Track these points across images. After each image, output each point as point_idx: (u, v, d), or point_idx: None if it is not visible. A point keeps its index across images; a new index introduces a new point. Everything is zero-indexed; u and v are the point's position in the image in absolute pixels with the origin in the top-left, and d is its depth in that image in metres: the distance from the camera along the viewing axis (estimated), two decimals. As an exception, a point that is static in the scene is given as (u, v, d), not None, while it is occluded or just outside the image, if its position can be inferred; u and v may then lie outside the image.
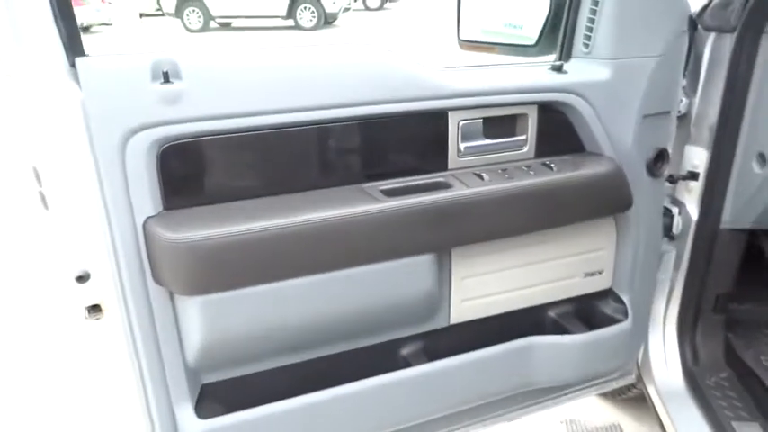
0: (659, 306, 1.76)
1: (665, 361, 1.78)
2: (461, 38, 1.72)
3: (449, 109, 1.25)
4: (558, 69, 1.36)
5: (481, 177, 1.27)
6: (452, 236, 1.24)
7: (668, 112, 1.48)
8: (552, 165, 1.35)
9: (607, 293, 1.59)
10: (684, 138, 1.65)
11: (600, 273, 1.56)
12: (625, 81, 1.36)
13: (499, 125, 1.33)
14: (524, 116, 1.34)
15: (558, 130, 1.39)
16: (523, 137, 1.36)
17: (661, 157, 1.48)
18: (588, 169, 1.35)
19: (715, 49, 1.53)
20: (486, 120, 1.30)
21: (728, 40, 1.50)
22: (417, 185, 1.25)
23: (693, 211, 1.68)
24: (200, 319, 1.10)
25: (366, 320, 1.26)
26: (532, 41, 1.49)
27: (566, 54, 1.41)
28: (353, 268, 1.18)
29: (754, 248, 1.74)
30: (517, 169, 1.33)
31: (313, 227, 1.11)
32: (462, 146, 1.30)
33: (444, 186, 1.25)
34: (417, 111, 1.21)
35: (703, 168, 1.64)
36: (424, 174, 1.28)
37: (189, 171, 1.10)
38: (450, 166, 1.31)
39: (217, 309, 1.10)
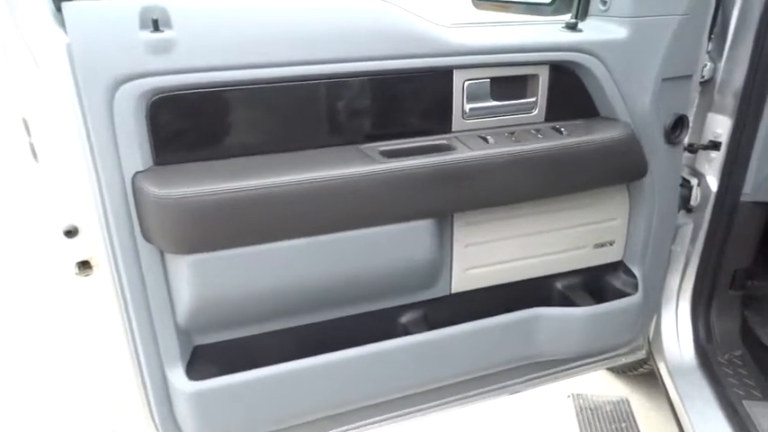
0: (673, 281, 1.70)
1: (678, 338, 1.72)
2: (476, -4, 1.65)
3: (454, 67, 1.19)
4: (573, 27, 1.28)
5: (486, 140, 1.22)
6: (455, 201, 1.19)
7: (690, 77, 1.40)
8: (563, 129, 1.28)
9: (617, 266, 1.54)
10: (707, 105, 1.56)
11: (611, 244, 1.50)
12: (644, 41, 1.28)
13: (507, 86, 1.27)
14: (535, 77, 1.28)
15: (570, 92, 1.32)
16: (533, 99, 1.29)
17: (680, 123, 1.41)
18: (601, 134, 1.28)
19: (745, 9, 1.43)
20: (493, 80, 1.24)
21: (758, 0, 1.41)
22: (418, 147, 1.20)
23: (713, 183, 1.61)
24: (190, 279, 1.08)
25: (363, 286, 1.22)
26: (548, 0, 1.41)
27: (582, 12, 1.34)
28: (349, 231, 1.14)
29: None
30: (525, 133, 1.27)
31: (308, 187, 1.07)
32: (468, 107, 1.24)
33: (447, 149, 1.20)
34: (420, 68, 1.16)
35: (726, 138, 1.56)
36: (427, 135, 1.23)
37: (180, 125, 1.06)
38: (454, 128, 1.25)
39: (207, 269, 1.08)
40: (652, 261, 1.54)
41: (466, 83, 1.22)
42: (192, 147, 1.08)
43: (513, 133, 1.26)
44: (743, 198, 1.58)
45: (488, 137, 1.23)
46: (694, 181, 1.62)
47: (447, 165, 1.15)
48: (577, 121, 1.34)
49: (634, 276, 1.53)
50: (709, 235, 1.64)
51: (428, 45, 1.15)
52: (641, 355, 1.79)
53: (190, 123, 1.07)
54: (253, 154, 1.12)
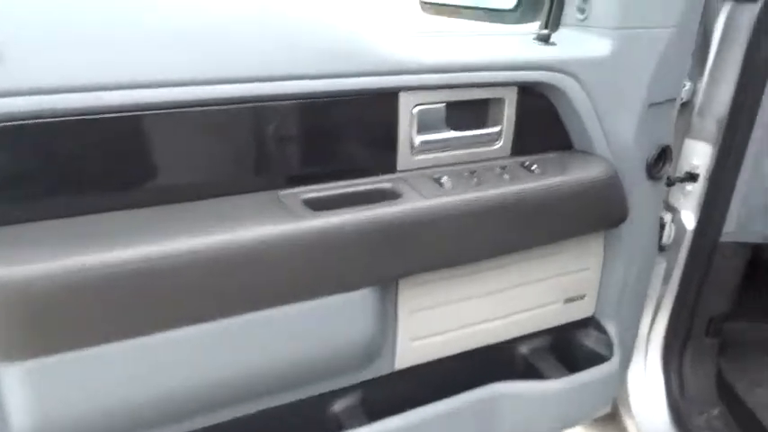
0: (642, 327, 1.49)
1: (648, 392, 1.52)
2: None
3: (400, 89, 0.91)
4: (545, 40, 1.03)
5: (441, 184, 0.94)
6: (401, 264, 0.92)
7: (674, 100, 1.18)
8: (533, 166, 1.03)
9: (588, 322, 1.30)
10: (684, 130, 1.36)
11: (581, 298, 1.26)
12: (630, 58, 1.05)
13: (467, 112, 1.01)
14: (499, 101, 1.02)
15: (541, 120, 1.07)
16: (497, 128, 1.03)
17: (663, 155, 1.18)
18: (578, 173, 1.04)
19: (731, 22, 1.23)
20: (450, 105, 0.97)
21: (749, 11, 1.21)
22: (354, 194, 0.91)
23: (689, 219, 1.41)
24: (29, 396, 0.74)
25: (281, 375, 0.92)
26: (511, 4, 1.16)
27: (554, 21, 1.09)
28: (261, 312, 0.84)
29: (756, 260, 1.48)
30: (488, 171, 1.01)
31: (202, 257, 0.76)
32: (418, 139, 0.97)
33: (391, 196, 0.92)
34: (355, 90, 0.87)
35: (705, 168, 1.36)
36: (365, 177, 0.94)
37: (10, 169, 0.73)
38: (400, 167, 0.97)
39: (55, 379, 0.75)
40: (627, 314, 1.32)
41: (415, 109, 0.94)
42: (30, 199, 0.75)
43: (473, 172, 1.00)
44: (723, 237, 1.38)
45: (443, 178, 0.96)
46: (668, 217, 1.41)
47: (391, 219, 0.87)
48: (549, 155, 1.09)
49: (607, 333, 1.30)
50: (685, 277, 1.44)
51: (367, 60, 0.86)
52: (605, 410, 1.56)
53: (26, 166, 0.74)
54: (123, 208, 0.80)
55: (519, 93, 1.02)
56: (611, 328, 1.31)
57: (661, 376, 1.52)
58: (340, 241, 0.84)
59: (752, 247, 1.41)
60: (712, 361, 1.55)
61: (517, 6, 1.14)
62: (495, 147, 1.04)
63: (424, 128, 0.97)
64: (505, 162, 1.05)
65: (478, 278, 1.07)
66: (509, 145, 1.05)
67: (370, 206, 0.87)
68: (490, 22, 1.18)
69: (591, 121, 1.06)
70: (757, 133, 1.27)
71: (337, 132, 0.91)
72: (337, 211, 0.85)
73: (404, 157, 0.97)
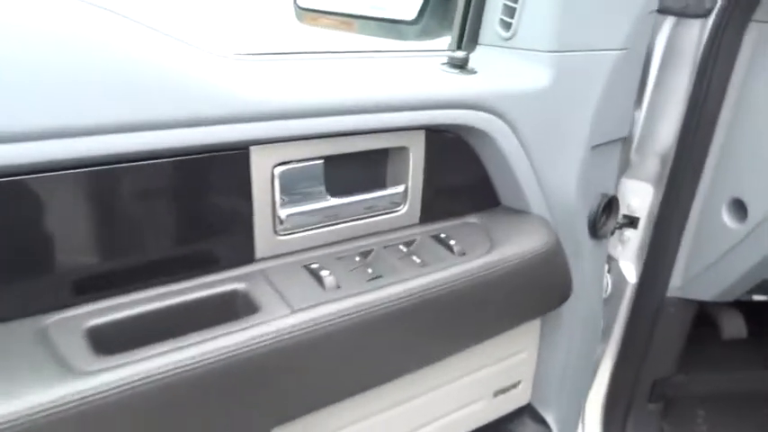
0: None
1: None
2: (300, 4, 1.05)
3: (249, 143, 0.59)
4: (461, 66, 0.75)
5: (320, 279, 0.63)
6: (264, 415, 0.59)
7: (620, 140, 0.94)
8: (451, 240, 0.74)
9: (523, 412, 1.04)
10: (621, 168, 1.13)
11: (515, 386, 0.99)
12: (569, 89, 0.79)
13: (355, 170, 0.71)
14: (401, 151, 0.72)
15: (458, 172, 0.79)
16: (400, 188, 0.74)
17: (609, 208, 0.94)
18: (511, 245, 0.76)
19: (675, 41, 1.01)
20: (330, 160, 0.67)
21: (696, 29, 0.99)
22: (179, 310, 0.58)
23: (630, 271, 1.18)
24: None
25: None
26: (412, 14, 0.87)
27: (470, 38, 0.81)
28: None
29: (701, 314, 1.29)
30: (390, 253, 0.71)
31: None
32: (283, 212, 0.65)
33: (243, 308, 0.60)
34: (182, 148, 0.54)
35: (646, 212, 1.14)
36: (202, 276, 0.61)
37: None
38: (259, 254, 0.66)
39: None
40: (569, 398, 1.07)
41: (277, 169, 0.63)
42: None
43: (367, 255, 0.70)
44: (670, 293, 1.17)
45: (323, 271, 0.65)
46: (604, 267, 1.18)
47: (238, 356, 0.55)
48: (471, 219, 0.81)
49: (545, 423, 1.04)
50: (626, 338, 1.22)
51: (199, 102, 0.54)
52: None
53: None
54: None
55: (428, 139, 0.73)
56: (550, 416, 1.05)
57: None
58: (146, 409, 0.51)
59: (699, 303, 1.21)
60: (655, 427, 1.34)
61: (419, 17, 0.85)
62: (399, 213, 0.75)
63: (291, 195, 0.65)
64: (414, 234, 0.75)
65: (385, 391, 0.77)
66: (417, 209, 0.76)
67: (200, 337, 0.54)
68: (385, 36, 0.88)
69: (523, 170, 0.79)
70: (708, 173, 1.06)
71: (152, 210, 0.57)
72: (141, 353, 0.52)
73: (264, 240, 0.65)
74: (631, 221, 1.15)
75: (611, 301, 1.22)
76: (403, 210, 0.75)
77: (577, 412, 1.13)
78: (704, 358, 1.38)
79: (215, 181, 0.60)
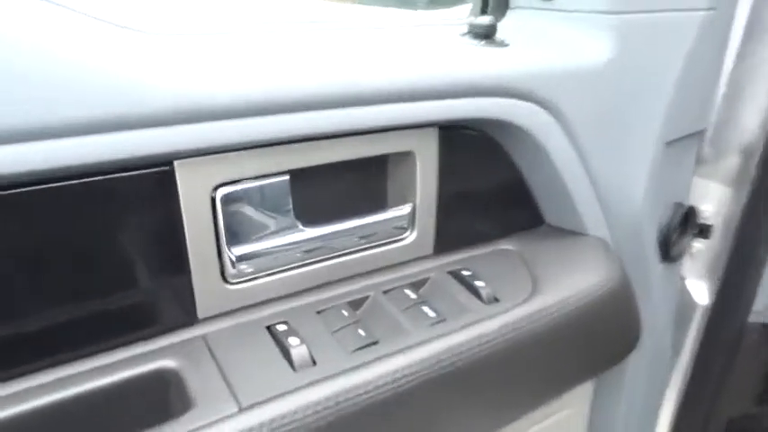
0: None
1: None
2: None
3: (174, 156, 0.40)
4: (487, 37, 0.53)
5: (286, 351, 0.44)
6: None
7: (699, 133, 0.72)
8: (476, 277, 0.54)
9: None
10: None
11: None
12: (637, 66, 0.57)
13: (340, 186, 0.50)
14: (406, 158, 0.52)
15: (484, 182, 0.58)
16: (405, 209, 0.53)
17: (686, 223, 0.72)
18: (563, 287, 0.55)
19: (764, 6, 0.78)
20: (299, 175, 0.46)
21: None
22: (81, 397, 0.39)
23: (701, 291, 0.96)
24: None
25: None
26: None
27: (499, 1, 0.60)
28: None
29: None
30: (391, 299, 0.51)
31: None
32: (235, 252, 0.45)
33: (176, 403, 0.41)
34: (71, 166, 0.35)
35: (722, 219, 0.91)
36: (120, 346, 0.42)
37: None
38: (202, 312, 0.46)
39: None
40: None
41: (220, 192, 0.43)
42: None
43: (359, 305, 0.50)
44: (752, 318, 0.94)
45: (292, 337, 0.45)
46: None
47: None
48: (504, 245, 0.60)
49: None
50: (696, 372, 1.00)
51: (82, 97, 0.34)
52: None
53: None
54: None
55: (442, 139, 0.52)
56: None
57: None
58: None
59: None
60: (731, 475, 1.12)
61: (432, -23, 0.64)
62: (405, 242, 0.54)
63: (244, 227, 0.46)
64: (425, 271, 0.55)
65: None
66: (429, 236, 0.56)
67: None
68: (388, 6, 0.67)
69: (575, 176, 0.58)
70: (807, 170, 0.83)
71: (34, 259, 0.38)
72: None
73: (208, 292, 0.45)
74: (702, 230, 0.92)
75: (675, 329, 1.00)
76: (410, 238, 0.54)
77: None
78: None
79: (125, 213, 0.40)
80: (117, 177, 0.39)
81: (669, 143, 0.63)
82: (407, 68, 0.47)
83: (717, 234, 0.92)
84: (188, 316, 0.45)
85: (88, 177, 0.37)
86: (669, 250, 0.71)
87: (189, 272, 0.44)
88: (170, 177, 0.41)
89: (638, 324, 0.63)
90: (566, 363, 0.56)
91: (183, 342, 0.44)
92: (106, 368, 0.41)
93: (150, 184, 0.40)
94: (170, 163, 0.40)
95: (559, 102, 0.53)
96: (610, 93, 0.57)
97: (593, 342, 0.58)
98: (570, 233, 0.62)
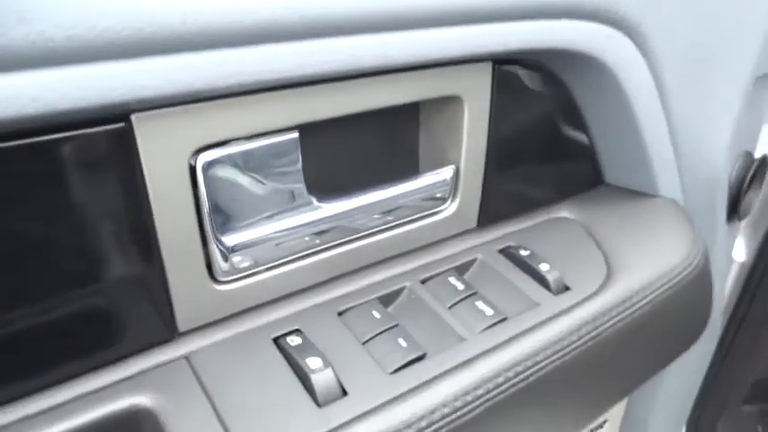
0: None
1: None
2: None
3: (133, 107, 0.26)
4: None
5: (304, 377, 0.31)
6: None
7: None
8: (536, 257, 0.42)
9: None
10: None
11: (600, 426, 0.70)
12: None
13: (362, 145, 0.37)
14: (450, 106, 0.38)
15: (543, 134, 0.45)
16: (447, 172, 0.40)
17: (757, 176, 0.61)
18: (638, 269, 0.43)
19: None
20: (310, 132, 0.33)
21: None
22: None
23: (739, 246, 0.87)
24: None
25: None
26: None
27: None
28: None
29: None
30: (432, 289, 0.39)
31: None
32: (223, 240, 0.32)
33: None
34: None
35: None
36: (76, 375, 0.30)
37: None
38: (184, 324, 0.33)
39: None
40: (665, 428, 0.78)
41: (203, 157, 0.29)
42: None
43: (391, 300, 0.38)
44: (793, 275, 0.85)
45: (310, 357, 0.32)
46: None
47: None
48: (561, 212, 0.48)
49: None
50: (729, 327, 0.92)
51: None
52: None
53: None
54: None
55: (497, 78, 0.39)
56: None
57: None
58: None
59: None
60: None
61: None
62: (444, 215, 0.42)
63: (237, 206, 0.33)
64: (471, 249, 0.43)
65: None
66: (474, 206, 0.43)
67: None
68: None
69: (654, 123, 0.46)
70: None
71: None
72: None
73: (190, 296, 0.33)
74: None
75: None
76: (450, 209, 0.42)
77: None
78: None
79: (60, 192, 0.27)
80: (46, 141, 0.25)
81: (759, 79, 0.51)
82: None
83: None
84: (164, 329, 0.33)
85: (4, 142, 0.24)
86: (738, 208, 0.60)
87: (162, 269, 0.31)
88: (126, 138, 0.27)
89: (712, 299, 0.52)
90: (646, 354, 0.45)
91: (159, 367, 0.32)
92: (48, 413, 0.29)
93: (98, 147, 0.26)
94: (126, 117, 0.27)
95: (650, 28, 0.40)
96: (703, 12, 0.44)
97: (674, 327, 0.47)
98: (636, 194, 0.50)
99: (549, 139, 0.45)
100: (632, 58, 0.41)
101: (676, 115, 0.46)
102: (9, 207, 0.25)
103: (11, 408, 0.29)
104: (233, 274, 0.34)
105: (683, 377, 0.76)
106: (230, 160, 0.31)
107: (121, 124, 0.27)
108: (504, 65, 0.39)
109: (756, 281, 0.86)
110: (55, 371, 0.30)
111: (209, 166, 0.30)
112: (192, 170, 0.30)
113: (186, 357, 0.33)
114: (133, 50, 0.24)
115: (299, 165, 0.33)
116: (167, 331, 0.33)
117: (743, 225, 0.85)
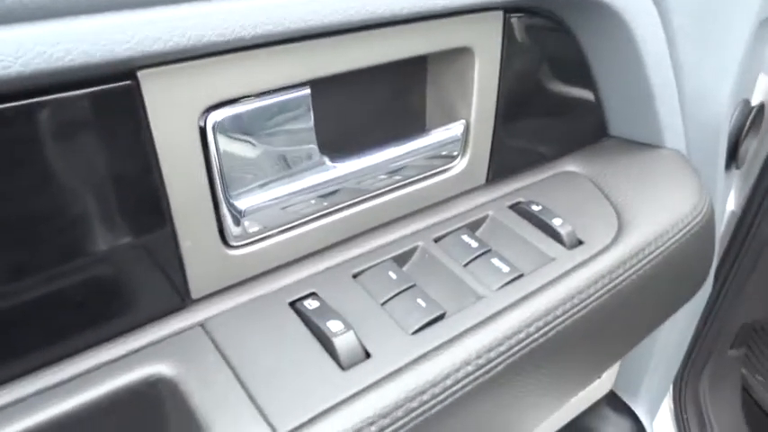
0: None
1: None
2: None
3: (139, 63, 0.25)
4: None
5: (326, 341, 0.31)
6: None
7: None
8: (548, 212, 0.41)
9: (605, 403, 0.77)
10: None
11: (599, 376, 0.71)
12: None
13: (372, 101, 0.36)
14: (460, 58, 0.37)
15: (551, 85, 0.44)
16: (457, 127, 0.39)
17: (755, 124, 0.61)
18: (647, 221, 0.43)
19: None
20: (320, 89, 0.32)
21: None
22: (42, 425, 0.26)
23: (730, 196, 0.88)
24: None
25: None
26: None
27: None
28: None
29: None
30: (446, 248, 0.38)
31: None
32: (236, 203, 0.31)
33: (176, 424, 0.28)
34: None
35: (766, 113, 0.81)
36: (89, 347, 0.29)
37: None
38: (197, 291, 0.32)
39: None
40: (660, 380, 0.80)
41: (212, 117, 0.28)
42: None
43: (405, 260, 0.37)
44: (781, 224, 0.87)
45: (331, 321, 0.32)
46: None
47: None
48: (569, 166, 0.48)
49: (629, 411, 0.78)
50: (719, 277, 0.94)
51: None
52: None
53: None
54: None
55: (507, 28, 0.38)
56: (636, 402, 0.78)
57: (670, 418, 1.05)
58: None
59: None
60: (736, 378, 1.10)
61: None
62: (454, 172, 0.41)
63: (250, 168, 0.31)
64: (482, 206, 0.42)
65: None
66: (484, 161, 0.42)
67: None
68: None
69: (662, 72, 0.45)
70: None
71: None
72: None
73: (204, 262, 0.32)
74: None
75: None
76: (460, 165, 0.41)
77: (665, 391, 0.87)
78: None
79: (67, 154, 0.25)
80: (49, 102, 0.23)
81: (763, 22, 0.50)
82: None
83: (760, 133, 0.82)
84: (178, 297, 0.32)
85: (5, 103, 0.22)
86: (737, 155, 0.60)
87: (174, 234, 0.30)
88: (135, 96, 0.26)
89: (714, 248, 0.53)
90: (655, 304, 0.46)
91: (175, 335, 0.31)
92: (65, 384, 0.28)
93: (103, 107, 0.25)
94: (132, 74, 0.25)
95: None
96: None
97: (681, 276, 0.47)
98: (641, 146, 0.50)
99: (556, 91, 0.44)
100: (643, 5, 0.40)
101: (683, 63, 0.46)
102: (14, 172, 0.24)
103: (22, 382, 0.28)
104: (245, 239, 0.33)
105: (678, 327, 0.77)
106: (241, 119, 0.29)
107: (128, 82, 0.25)
108: (514, 14, 0.37)
109: (746, 230, 0.87)
110: (70, 341, 0.29)
111: (219, 125, 0.29)
112: (203, 130, 0.28)
113: (201, 324, 0.32)
114: (131, 3, 0.22)
115: (312, 123, 0.32)
116: (181, 298, 0.32)
117: (734, 173, 0.86)
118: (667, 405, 1.04)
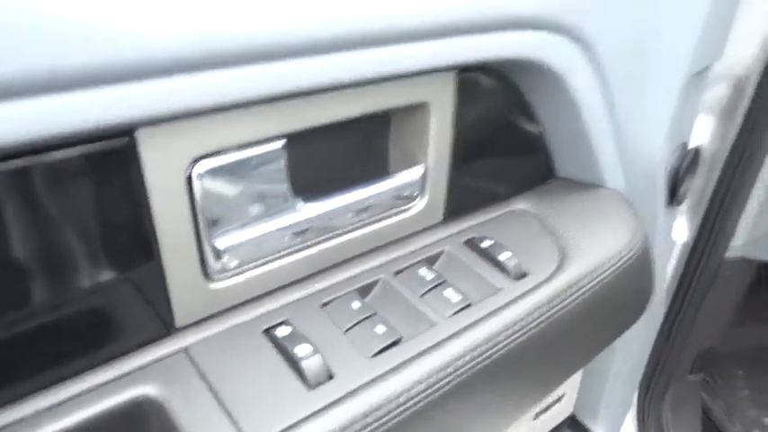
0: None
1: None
2: None
3: (136, 123, 0.29)
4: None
5: (295, 363, 0.35)
6: None
7: (711, 65, 0.66)
8: (497, 247, 0.46)
9: (563, 429, 0.81)
10: None
11: (558, 401, 0.76)
12: None
13: (340, 150, 0.41)
14: (417, 112, 0.42)
15: (500, 133, 0.50)
16: (416, 172, 0.44)
17: (693, 164, 0.67)
18: (589, 253, 0.48)
19: None
20: (294, 140, 0.36)
21: None
22: None
23: (681, 228, 0.94)
24: None
25: None
26: None
27: None
28: None
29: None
30: (405, 281, 0.43)
31: None
32: (220, 243, 0.35)
33: None
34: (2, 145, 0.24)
35: (709, 153, 0.88)
36: (79, 373, 0.33)
37: None
38: (181, 320, 0.36)
39: None
40: (619, 402, 0.84)
41: (198, 168, 0.32)
42: None
43: (368, 291, 0.42)
44: (730, 253, 0.93)
45: (299, 345, 0.36)
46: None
47: None
48: (518, 204, 0.53)
49: None
50: (672, 307, 0.99)
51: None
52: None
53: None
54: None
55: (461, 86, 0.43)
56: (596, 424, 0.83)
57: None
58: None
59: (758, 265, 0.98)
60: (696, 401, 1.15)
61: None
62: (414, 211, 0.46)
63: (229, 211, 0.36)
64: (438, 242, 0.47)
65: None
66: (440, 202, 0.47)
67: None
68: None
69: (599, 119, 0.50)
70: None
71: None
72: None
73: (187, 294, 0.36)
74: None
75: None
76: (419, 205, 0.46)
77: (625, 414, 0.91)
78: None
79: (73, 199, 0.29)
80: (59, 156, 0.28)
81: (694, 75, 0.57)
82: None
83: (703, 170, 0.88)
84: (163, 325, 0.36)
85: (21, 157, 0.27)
86: (676, 194, 0.66)
87: (162, 270, 0.34)
88: (132, 151, 0.30)
89: (653, 279, 0.58)
90: (595, 330, 0.50)
91: (160, 360, 0.35)
92: (60, 405, 0.31)
93: (105, 160, 0.29)
94: (131, 132, 0.30)
95: (589, 29, 0.45)
96: (642, 10, 0.48)
97: (621, 305, 0.52)
98: (584, 186, 0.55)
99: (506, 138, 0.50)
100: (578, 63, 0.46)
101: (619, 113, 0.51)
102: (22, 217, 0.28)
103: (18, 406, 0.31)
104: (225, 273, 0.37)
105: (632, 351, 0.82)
106: (223, 168, 0.34)
107: (127, 138, 0.29)
108: (465, 72, 0.43)
109: (697, 259, 0.93)
110: (62, 367, 0.32)
111: (204, 174, 0.33)
112: (189, 178, 0.33)
113: (185, 350, 0.36)
114: (132, 75, 0.27)
115: (285, 170, 0.36)
116: (166, 327, 0.36)
117: (685, 209, 0.92)
118: (632, 428, 1.08)
